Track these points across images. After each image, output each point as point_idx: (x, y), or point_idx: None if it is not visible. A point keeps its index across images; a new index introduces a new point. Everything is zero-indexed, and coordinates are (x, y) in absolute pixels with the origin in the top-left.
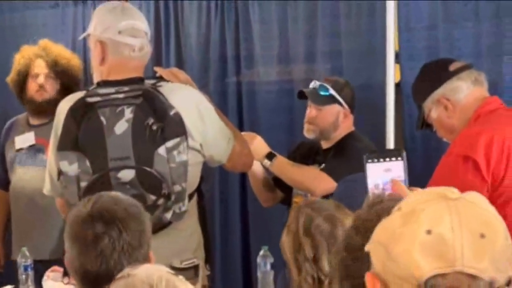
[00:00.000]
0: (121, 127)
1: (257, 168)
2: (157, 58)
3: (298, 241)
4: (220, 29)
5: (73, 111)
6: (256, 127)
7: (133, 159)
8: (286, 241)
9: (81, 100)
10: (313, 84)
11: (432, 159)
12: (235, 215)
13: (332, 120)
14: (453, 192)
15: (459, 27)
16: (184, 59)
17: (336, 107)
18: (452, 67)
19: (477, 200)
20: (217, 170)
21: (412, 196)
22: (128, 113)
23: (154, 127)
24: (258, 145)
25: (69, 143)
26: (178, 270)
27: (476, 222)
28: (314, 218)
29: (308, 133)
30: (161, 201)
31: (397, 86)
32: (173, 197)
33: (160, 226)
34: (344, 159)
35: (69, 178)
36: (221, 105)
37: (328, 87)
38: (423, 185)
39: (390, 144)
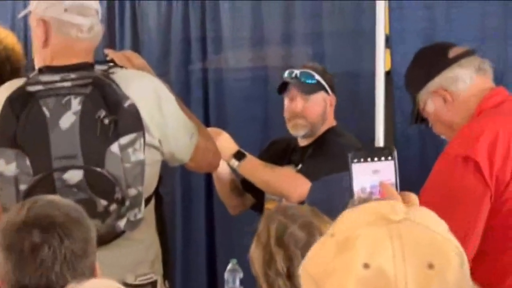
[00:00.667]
0: (68, 120)
1: (223, 169)
2: (110, 40)
3: (269, 253)
4: (183, 8)
5: (11, 101)
6: (224, 121)
7: (81, 158)
8: (255, 253)
9: (21, 89)
10: (291, 73)
11: (427, 160)
12: (200, 223)
13: (321, 110)
14: (396, 212)
15: (459, 7)
16: (141, 41)
17: (322, 94)
18: (452, 53)
19: (426, 220)
20: (179, 170)
21: (347, 217)
22: (76, 104)
23: (106, 121)
24: (225, 142)
25: (7, 139)
26: (132, 287)
27: (423, 249)
28: (287, 226)
29: (297, 130)
30: (113, 207)
31: (388, 74)
32: (127, 203)
33: (112, 236)
34: (324, 158)
35: (6, 179)
36: (184, 96)
37: (313, 73)
38: (416, 190)
39: (380, 141)
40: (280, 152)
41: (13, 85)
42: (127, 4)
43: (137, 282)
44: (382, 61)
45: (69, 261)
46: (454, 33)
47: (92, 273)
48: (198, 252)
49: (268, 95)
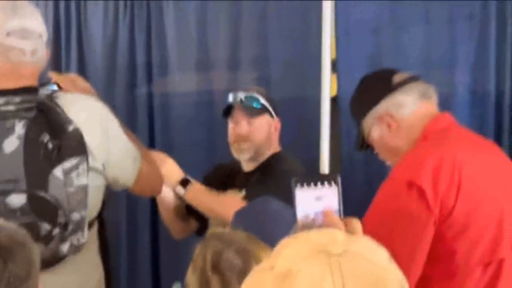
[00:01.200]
0: (11, 144)
1: (167, 194)
2: (56, 63)
3: (205, 279)
4: (129, 31)
5: None
6: (170, 145)
7: (25, 182)
8: (191, 278)
9: None
10: (236, 96)
11: (373, 185)
12: (144, 246)
13: (265, 134)
14: (336, 244)
15: (406, 32)
16: (86, 64)
17: (267, 118)
18: (396, 79)
19: (366, 250)
20: (124, 193)
21: (287, 249)
22: (20, 128)
23: (50, 146)
24: (170, 168)
25: None
26: None
27: (364, 282)
28: (223, 252)
29: (242, 153)
30: (56, 231)
31: (334, 100)
32: (70, 227)
33: (55, 260)
34: (268, 184)
35: None
36: (129, 119)
37: (258, 96)
38: (361, 215)
39: (325, 166)
40: (224, 177)
41: None
42: (73, 26)
43: None
44: (327, 86)
45: (13, 284)
46: (401, 58)
47: None
48: (143, 275)
49: (214, 119)
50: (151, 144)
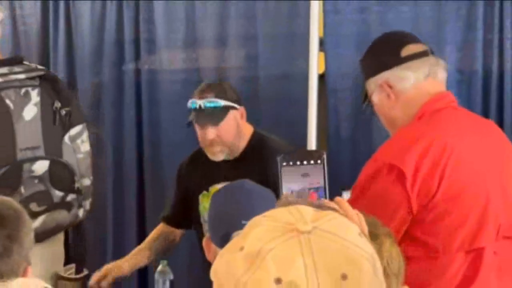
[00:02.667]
0: (30, 112)
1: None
2: (44, 42)
3: None
4: (117, 8)
5: None
6: (157, 122)
7: (43, 148)
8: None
9: None
10: (195, 105)
11: (359, 163)
12: (132, 223)
13: (234, 130)
14: (305, 221)
15: (394, 11)
16: (74, 42)
17: (231, 113)
18: (405, 52)
19: (337, 227)
20: (111, 162)
21: (256, 230)
22: (35, 96)
23: (63, 112)
24: None
25: None
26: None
27: (335, 259)
28: None
29: (216, 156)
30: (72, 196)
31: (321, 77)
32: (83, 192)
33: (72, 225)
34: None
35: None
36: (117, 96)
37: (216, 100)
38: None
39: (312, 144)
40: (205, 166)
41: None
42: (61, 5)
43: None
44: (315, 64)
45: None
46: None
47: (16, 273)
48: (128, 249)
49: None
50: (139, 121)
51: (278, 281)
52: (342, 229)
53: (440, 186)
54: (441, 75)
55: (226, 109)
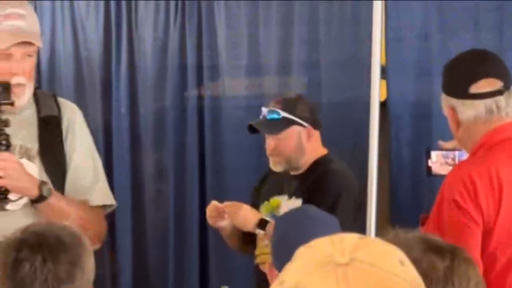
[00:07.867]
0: None
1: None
2: (107, 65)
3: None
4: (180, 33)
5: None
6: (220, 148)
7: None
8: None
9: None
10: (263, 111)
11: (421, 188)
12: (194, 248)
13: (294, 144)
14: (343, 253)
15: (456, 38)
16: (136, 67)
17: (294, 128)
18: (474, 89)
19: (376, 257)
20: (172, 194)
21: (295, 264)
22: None
23: None
24: (245, 214)
25: None
26: None
27: None
28: None
29: (275, 166)
30: None
31: (383, 104)
32: None
33: None
34: (320, 189)
35: None
36: (179, 122)
37: (278, 110)
38: (410, 217)
39: (373, 171)
40: (276, 181)
41: None
42: (124, 28)
43: None
44: (377, 91)
45: (50, 283)
46: None
47: None
48: (191, 277)
49: None
50: (201, 147)
51: None
52: (382, 258)
53: (499, 216)
54: (506, 109)
55: (288, 122)
